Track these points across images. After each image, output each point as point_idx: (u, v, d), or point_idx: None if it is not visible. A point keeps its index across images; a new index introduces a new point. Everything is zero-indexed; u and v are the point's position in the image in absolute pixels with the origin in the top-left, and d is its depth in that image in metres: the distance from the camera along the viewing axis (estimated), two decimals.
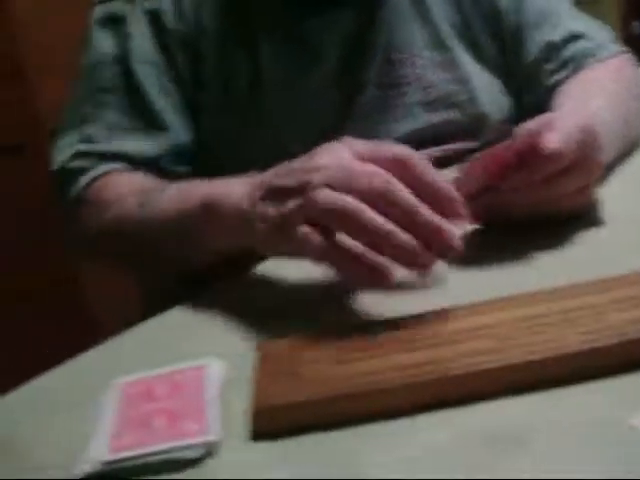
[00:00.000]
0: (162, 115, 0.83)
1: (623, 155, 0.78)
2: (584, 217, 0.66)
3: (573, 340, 0.47)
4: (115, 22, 0.86)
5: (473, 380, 0.46)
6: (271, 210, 0.58)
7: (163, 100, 0.84)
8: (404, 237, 0.53)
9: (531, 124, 0.63)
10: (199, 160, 0.85)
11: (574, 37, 0.89)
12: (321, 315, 0.59)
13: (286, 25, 0.86)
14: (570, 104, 0.77)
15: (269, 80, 0.85)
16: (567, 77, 0.87)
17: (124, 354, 0.59)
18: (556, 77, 0.88)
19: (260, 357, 0.52)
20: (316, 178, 0.55)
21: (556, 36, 0.89)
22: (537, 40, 0.90)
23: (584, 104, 0.75)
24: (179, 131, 0.84)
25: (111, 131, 0.83)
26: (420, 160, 0.56)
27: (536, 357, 0.46)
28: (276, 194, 0.58)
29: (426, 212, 0.54)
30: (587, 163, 0.63)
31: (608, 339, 0.46)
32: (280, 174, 0.59)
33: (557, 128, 0.62)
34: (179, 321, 0.63)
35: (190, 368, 0.52)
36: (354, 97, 0.86)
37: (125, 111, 0.83)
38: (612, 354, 0.46)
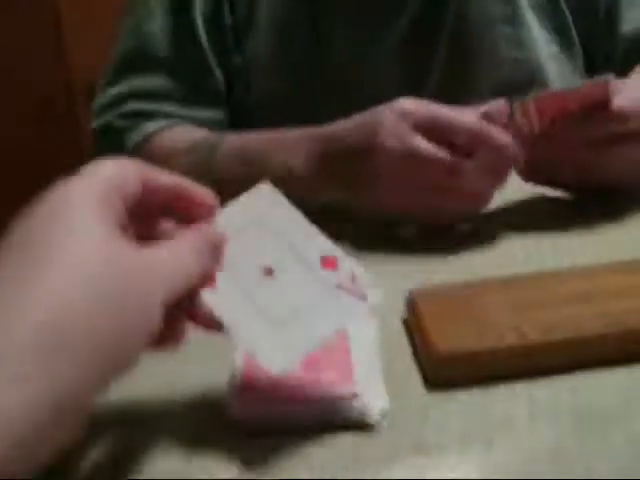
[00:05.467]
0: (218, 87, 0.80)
1: None
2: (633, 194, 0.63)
3: None
4: None
5: None
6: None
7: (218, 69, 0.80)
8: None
9: (603, 79, 0.58)
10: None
11: None
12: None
13: None
14: None
15: (334, 47, 0.79)
16: None
17: None
18: None
19: (418, 303, 0.47)
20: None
21: None
22: (631, 20, 0.84)
23: None
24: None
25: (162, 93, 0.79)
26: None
27: None
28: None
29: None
30: None
31: None
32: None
33: (629, 93, 0.58)
34: None
35: None
36: (420, 76, 0.81)
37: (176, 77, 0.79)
38: None
